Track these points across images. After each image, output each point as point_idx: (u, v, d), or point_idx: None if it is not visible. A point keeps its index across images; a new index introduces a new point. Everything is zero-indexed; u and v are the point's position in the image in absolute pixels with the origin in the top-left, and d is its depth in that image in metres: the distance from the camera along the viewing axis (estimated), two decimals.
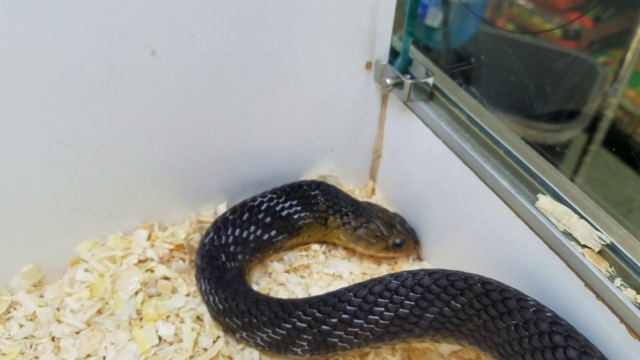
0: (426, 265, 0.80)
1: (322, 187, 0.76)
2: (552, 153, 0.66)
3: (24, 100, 0.57)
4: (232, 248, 0.70)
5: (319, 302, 0.59)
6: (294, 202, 0.73)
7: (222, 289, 0.64)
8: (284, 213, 0.73)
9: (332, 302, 0.58)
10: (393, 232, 0.75)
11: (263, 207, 0.72)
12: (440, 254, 0.77)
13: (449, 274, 0.56)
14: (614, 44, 0.82)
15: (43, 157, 0.63)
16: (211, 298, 0.65)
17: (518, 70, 0.75)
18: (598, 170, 0.82)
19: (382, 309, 0.56)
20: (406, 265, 0.79)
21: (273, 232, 0.72)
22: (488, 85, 0.79)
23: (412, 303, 0.56)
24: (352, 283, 0.75)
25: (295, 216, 0.73)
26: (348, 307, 0.57)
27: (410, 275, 0.57)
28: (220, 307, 0.63)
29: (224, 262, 0.68)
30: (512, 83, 0.75)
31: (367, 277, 0.76)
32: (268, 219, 0.72)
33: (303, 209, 0.74)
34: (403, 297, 0.56)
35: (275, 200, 0.73)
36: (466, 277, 0.55)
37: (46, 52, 0.55)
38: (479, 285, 0.54)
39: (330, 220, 0.75)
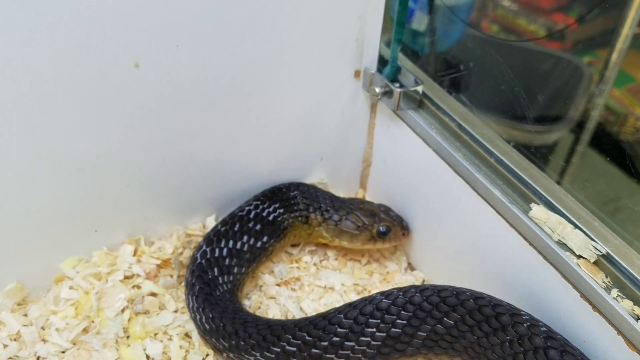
0: (419, 274, 0.79)
1: (301, 188, 0.75)
2: (539, 155, 0.65)
3: (4, 115, 0.56)
4: (227, 261, 0.68)
5: (308, 324, 0.57)
6: (277, 205, 0.73)
7: (210, 307, 0.63)
8: (270, 217, 0.72)
9: (322, 324, 0.57)
10: (375, 220, 0.73)
11: (252, 215, 0.71)
12: (433, 263, 0.76)
13: (441, 290, 0.55)
14: (599, 44, 0.82)
15: (24, 172, 0.61)
16: (198, 317, 0.63)
17: (504, 73, 0.74)
18: (585, 171, 0.81)
19: (374, 329, 0.55)
20: (399, 274, 0.78)
21: (265, 238, 0.71)
22: (476, 90, 0.78)
23: (404, 322, 0.54)
24: (344, 295, 0.74)
25: (279, 218, 0.72)
26: (339, 330, 0.56)
27: (401, 293, 0.56)
28: (207, 327, 0.62)
29: (216, 276, 0.67)
30: (499, 86, 0.74)
31: (359, 288, 0.75)
32: (258, 226, 0.71)
33: (285, 210, 0.73)
34: (395, 317, 0.55)
35: (261, 207, 0.72)
36: (458, 293, 0.54)
37: (28, 65, 0.54)
38: (471, 300, 0.53)
39: (312, 218, 0.74)
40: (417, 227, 0.77)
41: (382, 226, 0.73)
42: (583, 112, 0.81)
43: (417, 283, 0.78)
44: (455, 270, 0.71)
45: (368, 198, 0.87)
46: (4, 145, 0.58)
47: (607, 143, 0.80)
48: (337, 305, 0.71)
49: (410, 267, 0.81)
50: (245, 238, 0.70)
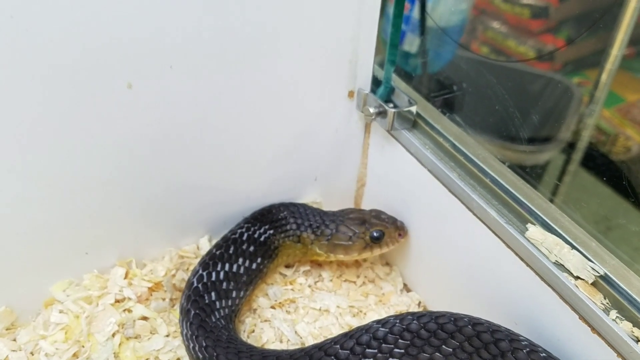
0: (414, 296, 0.78)
1: (290, 208, 0.75)
2: (533, 175, 0.65)
3: None
4: (224, 285, 0.67)
5: (304, 356, 0.56)
6: (267, 227, 0.72)
7: (204, 335, 0.61)
8: (262, 238, 0.71)
9: (317, 356, 0.55)
10: (367, 227, 0.72)
11: (245, 237, 0.70)
12: (429, 285, 0.76)
13: (438, 316, 0.54)
14: (588, 64, 0.83)
15: (13, 193, 0.60)
16: (192, 345, 0.62)
17: (496, 93, 0.74)
18: (578, 190, 0.82)
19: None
20: (394, 296, 0.77)
21: (259, 260, 0.70)
22: (469, 110, 0.78)
23: (402, 351, 0.54)
24: (339, 317, 0.73)
25: (270, 239, 0.72)
26: None
27: (397, 321, 0.55)
28: (200, 356, 0.60)
29: (213, 301, 0.65)
30: (491, 106, 0.75)
31: (355, 310, 0.74)
32: (252, 248, 0.70)
33: (275, 231, 0.72)
34: (392, 345, 0.54)
35: (252, 228, 0.71)
36: (456, 319, 0.53)
37: (19, 86, 0.53)
38: (469, 327, 0.53)
39: (304, 236, 0.73)
40: (413, 247, 0.76)
41: (375, 231, 0.71)
42: (574, 132, 0.82)
43: (413, 304, 0.77)
44: (451, 292, 0.71)
45: None
46: None
47: (598, 163, 0.81)
48: (333, 328, 0.71)
49: (406, 288, 0.80)
50: (240, 260, 0.69)
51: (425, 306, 0.77)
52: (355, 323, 0.72)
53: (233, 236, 0.70)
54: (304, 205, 0.76)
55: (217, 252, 0.69)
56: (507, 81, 0.79)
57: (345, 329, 0.71)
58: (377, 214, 0.75)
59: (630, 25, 0.71)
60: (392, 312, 0.75)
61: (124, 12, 0.54)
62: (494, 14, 0.91)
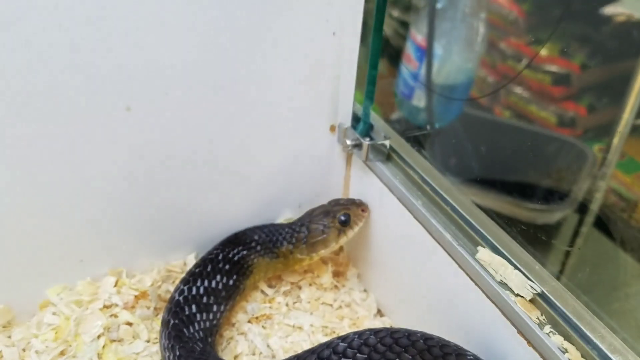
0: (386, 320, 0.82)
1: (264, 229, 0.80)
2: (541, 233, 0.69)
3: None
4: (204, 299, 0.73)
5: None
6: (240, 248, 0.77)
7: (179, 345, 0.66)
8: (235, 258, 0.76)
9: None
10: (332, 215, 0.77)
11: (220, 257, 0.76)
12: (400, 310, 0.80)
13: (394, 331, 0.59)
14: (608, 131, 0.85)
15: (17, 202, 0.67)
16: (167, 354, 0.67)
17: (509, 152, 0.79)
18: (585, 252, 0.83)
19: None
20: (368, 320, 0.81)
21: (234, 277, 0.75)
22: (483, 170, 0.82)
23: None
24: (311, 335, 0.77)
25: (245, 259, 0.77)
26: None
27: (356, 336, 0.59)
28: None
29: (194, 313, 0.71)
30: (505, 164, 0.79)
31: (328, 330, 0.79)
32: (227, 266, 0.75)
33: (249, 252, 0.77)
34: (351, 359, 0.58)
35: (226, 249, 0.77)
36: (410, 334, 0.58)
37: (22, 104, 0.61)
38: (421, 341, 0.57)
39: (282, 250, 0.78)
40: (386, 274, 0.81)
41: (341, 215, 0.76)
42: (585, 194, 0.84)
43: None
44: (416, 314, 0.75)
45: (345, 247, 0.92)
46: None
47: (616, 227, 0.83)
48: (304, 344, 0.76)
49: (380, 313, 0.84)
50: (218, 277, 0.74)
51: None
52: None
53: (210, 257, 0.76)
54: (273, 224, 0.82)
55: (197, 270, 0.74)
56: (520, 141, 0.84)
57: None
58: (336, 202, 0.80)
59: None
60: None
61: (127, 39, 0.61)
62: (516, 80, 0.95)
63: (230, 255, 0.76)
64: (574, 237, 0.85)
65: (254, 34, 0.67)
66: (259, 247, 0.78)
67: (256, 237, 0.79)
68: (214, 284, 0.74)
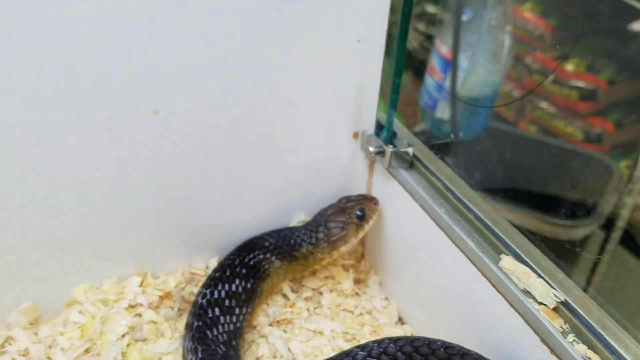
0: (408, 329, 0.82)
1: (273, 233, 0.81)
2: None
3: (32, 145, 0.64)
4: (226, 302, 0.74)
5: None
6: (256, 252, 0.79)
7: (202, 348, 0.67)
8: (251, 263, 0.78)
9: None
10: (348, 212, 0.79)
11: (237, 262, 0.77)
12: (422, 318, 0.80)
13: (413, 340, 0.59)
14: (632, 147, 0.86)
15: (48, 202, 0.69)
16: (189, 356, 0.68)
17: (533, 167, 0.79)
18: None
19: None
20: (388, 327, 0.82)
21: (252, 280, 0.76)
22: (507, 184, 0.82)
23: None
24: (332, 340, 0.78)
25: (260, 263, 0.78)
26: None
27: (375, 345, 0.59)
28: None
29: (217, 316, 0.71)
30: (530, 179, 0.79)
31: (349, 336, 0.79)
32: (244, 270, 0.76)
33: (265, 256, 0.79)
34: None
35: (242, 254, 0.78)
36: (430, 342, 0.58)
37: (56, 107, 0.62)
38: (441, 350, 0.57)
39: (302, 252, 0.79)
40: (409, 282, 0.81)
41: (357, 210, 0.79)
42: (612, 210, 0.84)
43: None
44: (437, 323, 0.75)
45: (366, 254, 0.92)
46: (31, 177, 0.66)
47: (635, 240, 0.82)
48: (324, 348, 0.76)
49: (401, 321, 0.84)
50: (237, 281, 0.76)
51: None
52: (348, 347, 0.77)
53: (227, 262, 0.77)
54: (288, 228, 0.83)
55: (216, 275, 0.76)
56: (545, 156, 0.83)
57: (337, 351, 0.76)
58: (347, 199, 0.82)
59: None
60: None
61: (156, 44, 0.63)
62: (542, 95, 0.95)
63: (246, 260, 0.78)
64: (600, 254, 0.85)
65: (280, 40, 0.68)
66: (275, 251, 0.79)
67: (272, 241, 0.80)
68: (234, 287, 0.75)
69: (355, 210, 0.79)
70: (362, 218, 0.79)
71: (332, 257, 0.80)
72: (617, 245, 0.84)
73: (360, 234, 0.79)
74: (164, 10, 0.61)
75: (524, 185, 0.83)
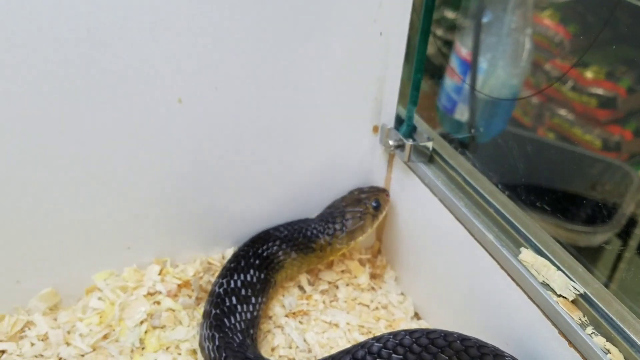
0: (423, 324, 0.82)
1: (288, 226, 0.82)
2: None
3: (58, 134, 0.65)
4: (243, 292, 0.74)
5: None
6: (270, 244, 0.80)
7: (219, 335, 0.67)
8: (264, 254, 0.78)
9: None
10: (364, 202, 0.81)
11: (251, 253, 0.78)
12: (438, 313, 0.80)
13: (429, 332, 0.59)
14: None
15: (71, 189, 0.70)
16: (207, 344, 0.68)
17: (551, 172, 0.79)
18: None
19: None
20: (404, 322, 0.81)
21: (265, 271, 0.77)
22: (523, 189, 0.82)
23: None
24: (347, 333, 0.78)
25: (274, 254, 0.79)
26: None
27: (391, 336, 0.59)
28: (212, 355, 0.67)
29: (234, 305, 0.72)
30: (547, 184, 0.79)
31: (364, 330, 0.79)
32: (258, 261, 0.77)
33: (278, 248, 0.80)
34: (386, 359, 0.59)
35: (256, 246, 0.79)
36: (446, 335, 0.58)
37: (78, 97, 0.64)
38: (458, 342, 0.57)
39: (320, 242, 0.80)
40: (426, 275, 0.81)
41: (373, 201, 0.81)
42: (631, 217, 0.83)
43: None
44: (453, 317, 0.75)
45: (383, 249, 0.92)
46: (54, 164, 0.67)
47: None
48: (340, 340, 0.76)
49: (417, 316, 0.84)
50: (251, 271, 0.76)
51: None
52: (363, 340, 0.77)
53: (241, 253, 0.78)
54: (302, 220, 0.83)
55: (232, 265, 0.76)
56: (563, 162, 0.83)
57: (352, 343, 0.76)
58: (360, 190, 0.84)
59: None
60: None
61: (180, 32, 0.64)
62: (560, 102, 0.94)
63: (259, 251, 0.78)
64: (617, 261, 0.84)
65: (302, 32, 0.69)
66: (290, 243, 0.80)
67: (287, 233, 0.81)
68: (249, 277, 0.75)
69: (371, 201, 0.81)
70: (377, 209, 0.81)
71: (349, 247, 0.81)
72: (635, 253, 0.83)
73: (375, 224, 0.82)
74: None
75: (540, 190, 0.83)
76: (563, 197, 0.78)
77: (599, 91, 0.86)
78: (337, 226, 0.79)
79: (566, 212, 0.78)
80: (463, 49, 1.03)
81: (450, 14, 1.06)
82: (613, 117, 0.88)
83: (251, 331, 0.72)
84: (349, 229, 0.79)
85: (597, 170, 0.86)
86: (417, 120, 0.80)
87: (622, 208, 0.83)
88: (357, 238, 0.80)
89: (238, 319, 0.72)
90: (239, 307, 0.73)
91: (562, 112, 0.93)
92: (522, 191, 0.75)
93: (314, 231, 0.80)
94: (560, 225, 0.79)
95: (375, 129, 0.81)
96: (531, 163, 0.84)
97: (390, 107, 0.80)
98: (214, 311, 0.71)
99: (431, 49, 1.06)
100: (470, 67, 1.01)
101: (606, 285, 0.59)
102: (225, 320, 0.70)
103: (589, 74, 0.88)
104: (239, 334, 0.70)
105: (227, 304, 0.72)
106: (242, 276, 0.75)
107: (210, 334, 0.68)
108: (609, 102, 0.86)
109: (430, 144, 0.77)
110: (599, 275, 0.67)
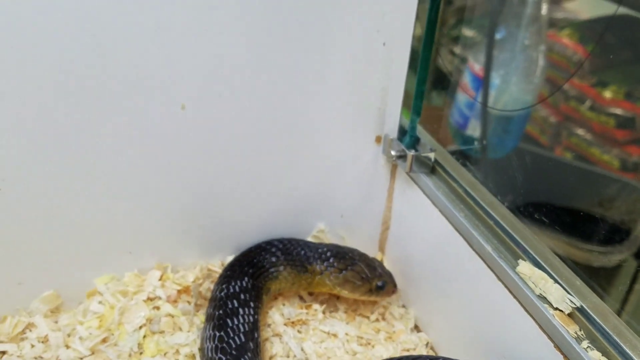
0: (423, 336, 0.81)
1: (293, 242, 0.82)
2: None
3: (62, 138, 0.66)
4: (242, 296, 0.74)
5: None
6: (263, 254, 0.80)
7: (220, 334, 0.68)
8: (256, 261, 0.79)
9: None
10: (376, 274, 0.78)
11: (244, 262, 0.78)
12: (438, 326, 0.79)
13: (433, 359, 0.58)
14: None
15: (76, 193, 0.71)
16: (207, 344, 0.68)
17: (565, 191, 0.78)
18: None
19: None
20: (404, 334, 0.81)
21: (258, 278, 0.77)
22: (536, 207, 0.81)
23: None
24: (345, 343, 0.77)
25: (269, 264, 0.79)
26: None
27: None
28: (209, 355, 0.67)
29: (237, 307, 0.72)
30: (561, 203, 0.79)
31: (363, 341, 0.79)
32: (251, 270, 0.77)
33: (276, 260, 0.79)
34: None
35: (250, 254, 0.80)
36: None
37: (82, 101, 0.64)
38: None
39: (314, 267, 0.78)
40: (426, 288, 0.81)
41: (381, 281, 0.78)
42: None
43: (421, 344, 0.80)
44: (453, 329, 0.74)
45: (385, 261, 0.92)
46: (58, 168, 0.68)
47: None
48: (338, 351, 0.76)
49: (417, 328, 0.83)
50: (246, 278, 0.76)
51: (432, 346, 0.80)
52: (361, 351, 0.77)
53: (234, 261, 0.79)
54: (302, 240, 0.83)
55: (228, 272, 0.77)
56: (578, 181, 0.82)
57: (350, 355, 0.76)
58: (380, 264, 0.81)
59: None
60: (399, 349, 0.79)
61: (185, 40, 0.65)
62: (579, 121, 0.93)
63: (254, 261, 0.79)
64: (633, 282, 0.83)
65: (306, 42, 0.70)
66: (282, 257, 0.79)
67: (281, 247, 0.80)
68: (244, 283, 0.76)
69: (380, 279, 0.78)
70: (379, 290, 0.78)
71: (332, 291, 0.79)
72: None
73: (364, 297, 0.79)
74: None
75: (554, 209, 0.82)
76: (577, 216, 0.77)
77: (618, 111, 0.86)
78: (338, 265, 0.78)
79: (580, 232, 0.77)
80: (476, 65, 1.03)
81: (464, 30, 1.07)
82: (632, 137, 0.87)
83: (255, 334, 0.72)
84: (346, 277, 0.77)
85: (613, 190, 0.85)
86: (420, 131, 0.80)
87: (638, 229, 0.82)
88: (344, 290, 0.78)
89: (242, 320, 0.72)
90: (240, 310, 0.73)
91: (580, 131, 0.92)
92: (534, 210, 0.75)
93: (316, 254, 0.79)
94: (574, 244, 0.78)
95: (378, 139, 0.81)
96: (542, 180, 0.84)
97: (393, 118, 0.80)
98: (217, 312, 0.71)
99: (445, 63, 1.07)
100: (483, 83, 1.01)
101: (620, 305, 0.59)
102: (228, 320, 0.70)
103: (607, 94, 0.87)
104: (241, 335, 0.69)
105: (230, 306, 0.72)
106: (239, 282, 0.75)
107: (212, 334, 0.68)
108: (627, 123, 0.85)
109: (432, 155, 0.77)
110: (613, 293, 0.66)
